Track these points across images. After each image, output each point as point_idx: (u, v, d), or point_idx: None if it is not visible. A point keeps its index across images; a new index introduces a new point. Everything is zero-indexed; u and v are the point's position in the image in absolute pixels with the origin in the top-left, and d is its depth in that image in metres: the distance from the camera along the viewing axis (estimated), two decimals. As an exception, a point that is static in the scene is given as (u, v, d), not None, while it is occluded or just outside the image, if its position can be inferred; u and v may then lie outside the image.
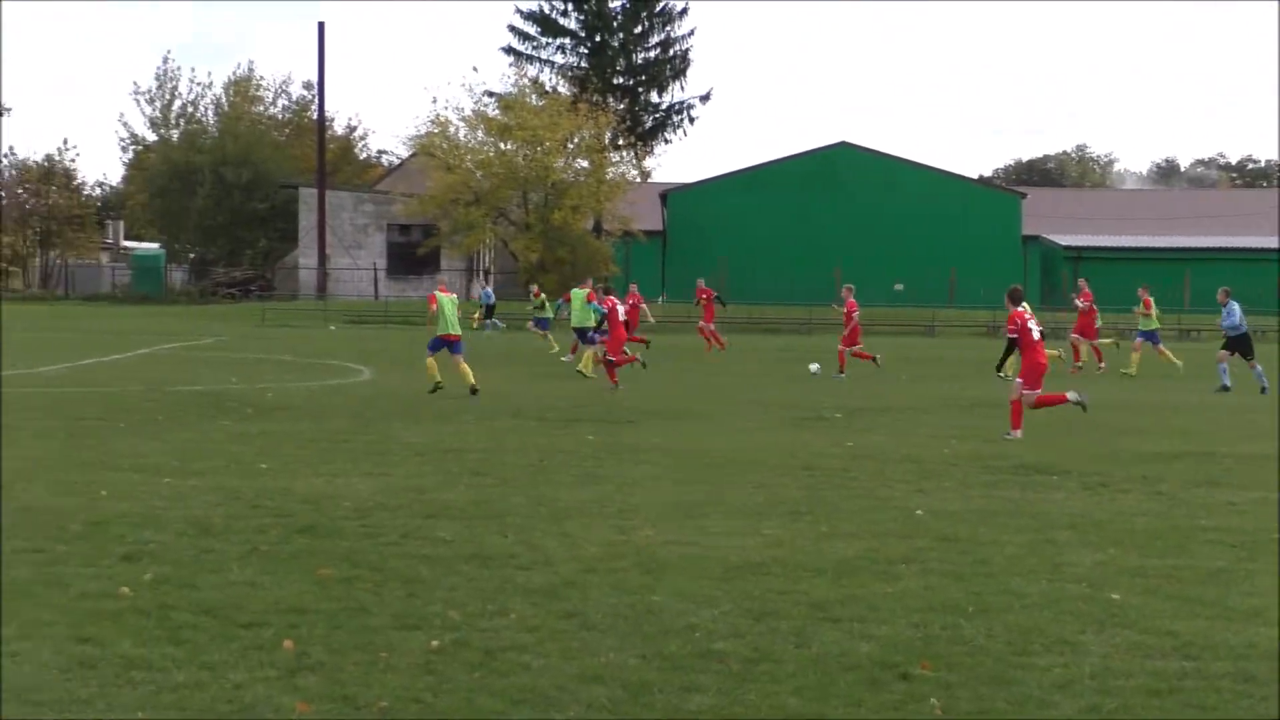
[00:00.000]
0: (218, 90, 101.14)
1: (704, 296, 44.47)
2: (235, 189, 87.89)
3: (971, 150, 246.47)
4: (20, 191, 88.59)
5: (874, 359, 34.45)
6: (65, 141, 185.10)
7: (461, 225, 76.89)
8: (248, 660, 8.14)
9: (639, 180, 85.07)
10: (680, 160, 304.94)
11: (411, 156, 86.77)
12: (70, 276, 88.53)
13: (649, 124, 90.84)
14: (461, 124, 79.63)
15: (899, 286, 79.03)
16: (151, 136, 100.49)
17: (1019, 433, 20.38)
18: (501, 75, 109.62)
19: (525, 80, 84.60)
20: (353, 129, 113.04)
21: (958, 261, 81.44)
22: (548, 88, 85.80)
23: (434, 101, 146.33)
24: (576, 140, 78.14)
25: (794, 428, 21.40)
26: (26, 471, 15.12)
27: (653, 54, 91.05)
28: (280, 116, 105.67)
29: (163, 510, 12.92)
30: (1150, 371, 35.00)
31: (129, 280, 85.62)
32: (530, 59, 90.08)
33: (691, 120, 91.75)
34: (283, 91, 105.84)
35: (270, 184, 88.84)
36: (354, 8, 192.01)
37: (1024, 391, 20.71)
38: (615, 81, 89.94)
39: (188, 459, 16.48)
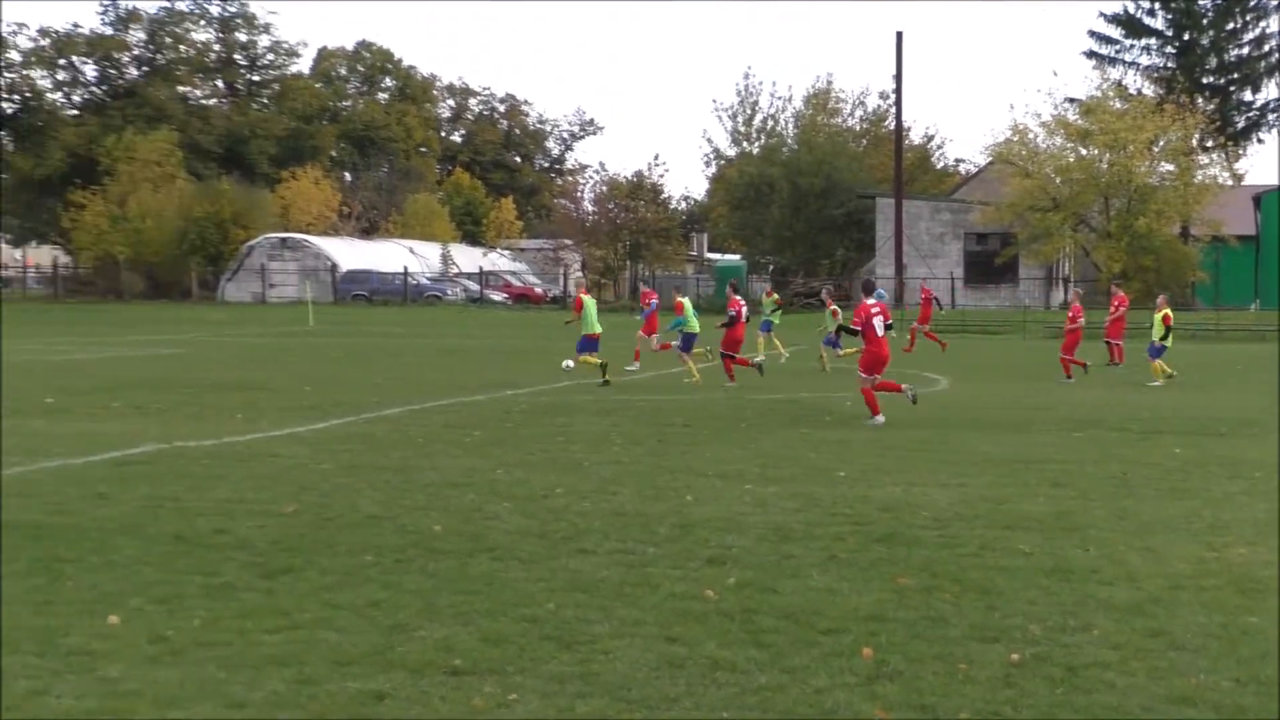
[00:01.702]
0: (797, 104, 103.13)
1: (925, 297, 46.76)
2: (811, 197, 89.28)
3: None
4: (611, 206, 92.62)
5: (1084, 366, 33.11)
6: (655, 157, 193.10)
7: (1039, 233, 75.67)
8: (828, 666, 8.23)
9: (1230, 183, 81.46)
10: (1275, 161, 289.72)
11: (989, 164, 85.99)
12: (657, 288, 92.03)
13: (1241, 124, 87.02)
14: (1040, 130, 78.42)
15: None
16: (732, 151, 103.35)
17: (880, 418, 21.95)
18: (1083, 78, 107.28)
19: (1107, 83, 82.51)
20: (930, 137, 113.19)
21: None
22: (1131, 90, 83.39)
23: (1011, 109, 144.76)
24: (1162, 143, 75.55)
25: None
26: (618, 477, 15.79)
27: (1245, 50, 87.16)
28: (857, 128, 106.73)
29: (745, 515, 13.24)
30: None
31: (711, 291, 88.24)
32: (1112, 61, 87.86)
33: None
34: (860, 103, 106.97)
35: (845, 192, 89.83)
36: (933, 16, 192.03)
37: (862, 376, 22.69)
38: (1204, 81, 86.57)
39: (768, 465, 16.83)
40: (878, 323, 22.67)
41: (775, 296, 41.96)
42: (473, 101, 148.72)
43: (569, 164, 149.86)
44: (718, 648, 8.60)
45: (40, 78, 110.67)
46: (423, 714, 7.48)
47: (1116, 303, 37.54)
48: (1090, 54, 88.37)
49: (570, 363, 32.48)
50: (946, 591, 10.09)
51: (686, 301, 33.40)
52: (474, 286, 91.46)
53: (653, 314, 35.47)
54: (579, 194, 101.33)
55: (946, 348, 44.12)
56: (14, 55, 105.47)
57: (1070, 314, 33.66)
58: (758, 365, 31.27)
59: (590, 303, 30.94)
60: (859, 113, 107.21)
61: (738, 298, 32.27)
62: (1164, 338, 32.12)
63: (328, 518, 12.94)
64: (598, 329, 30.49)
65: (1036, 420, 22.97)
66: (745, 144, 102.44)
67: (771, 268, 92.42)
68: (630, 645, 8.67)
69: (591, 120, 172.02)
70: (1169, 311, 32.67)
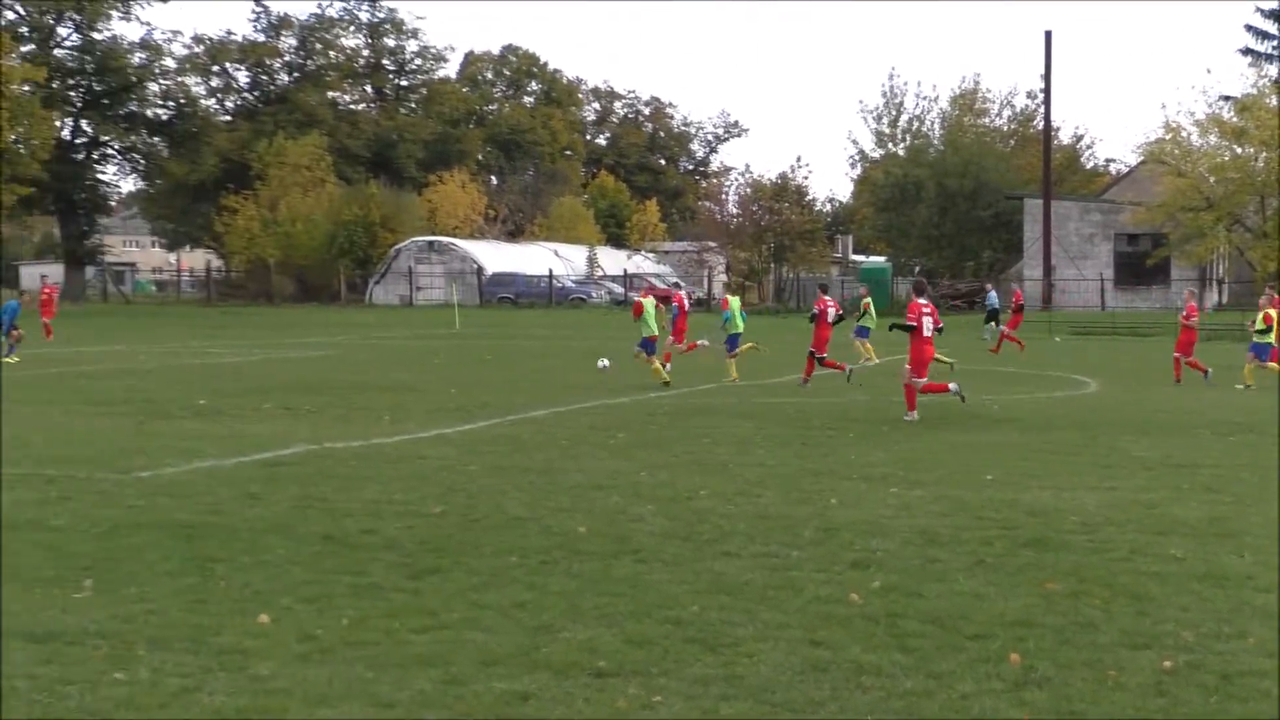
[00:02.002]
0: (944, 104, 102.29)
1: (1018, 303, 48.34)
2: (958, 198, 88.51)
3: None
4: (755, 208, 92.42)
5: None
6: (798, 159, 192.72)
7: (1192, 233, 74.32)
8: (974, 671, 8.14)
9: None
10: None
11: (1140, 164, 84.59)
12: (801, 290, 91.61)
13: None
14: (1194, 128, 76.99)
15: None
16: (877, 153, 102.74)
17: (915, 414, 22.54)
18: (1239, 75, 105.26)
19: (1264, 80, 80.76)
20: (1079, 137, 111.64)
21: None
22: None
23: (1163, 107, 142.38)
24: (1321, 140, 73.75)
25: None
26: (762, 480, 15.76)
27: None
28: (1005, 128, 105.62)
29: (890, 519, 13.15)
30: None
31: (855, 293, 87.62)
32: (1269, 58, 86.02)
33: None
34: (1008, 103, 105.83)
35: (993, 193, 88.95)
36: (1083, 14, 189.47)
37: (912, 379, 23.00)
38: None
39: (913, 469, 16.70)
40: (927, 322, 23.24)
41: (868, 300, 41.61)
42: (618, 105, 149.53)
43: (713, 166, 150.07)
44: (862, 652, 8.55)
45: (194, 84, 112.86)
46: (567, 715, 7.51)
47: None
48: (1246, 50, 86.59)
49: (606, 362, 33.56)
50: (1096, 597, 9.94)
51: (734, 300, 33.61)
52: (618, 289, 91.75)
53: (680, 315, 35.31)
54: (723, 196, 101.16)
55: (1024, 348, 44.07)
56: (169, 62, 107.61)
57: (1185, 313, 32.89)
58: (849, 372, 30.75)
59: (649, 305, 31.32)
60: (1006, 113, 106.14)
61: (827, 298, 32.18)
62: (1264, 334, 31.01)
63: (474, 519, 13.04)
64: (656, 330, 30.98)
65: (1188, 423, 22.56)
66: (890, 145, 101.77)
67: (917, 269, 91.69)
68: (774, 648, 8.65)
69: (736, 122, 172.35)
70: (1270, 311, 31.17)
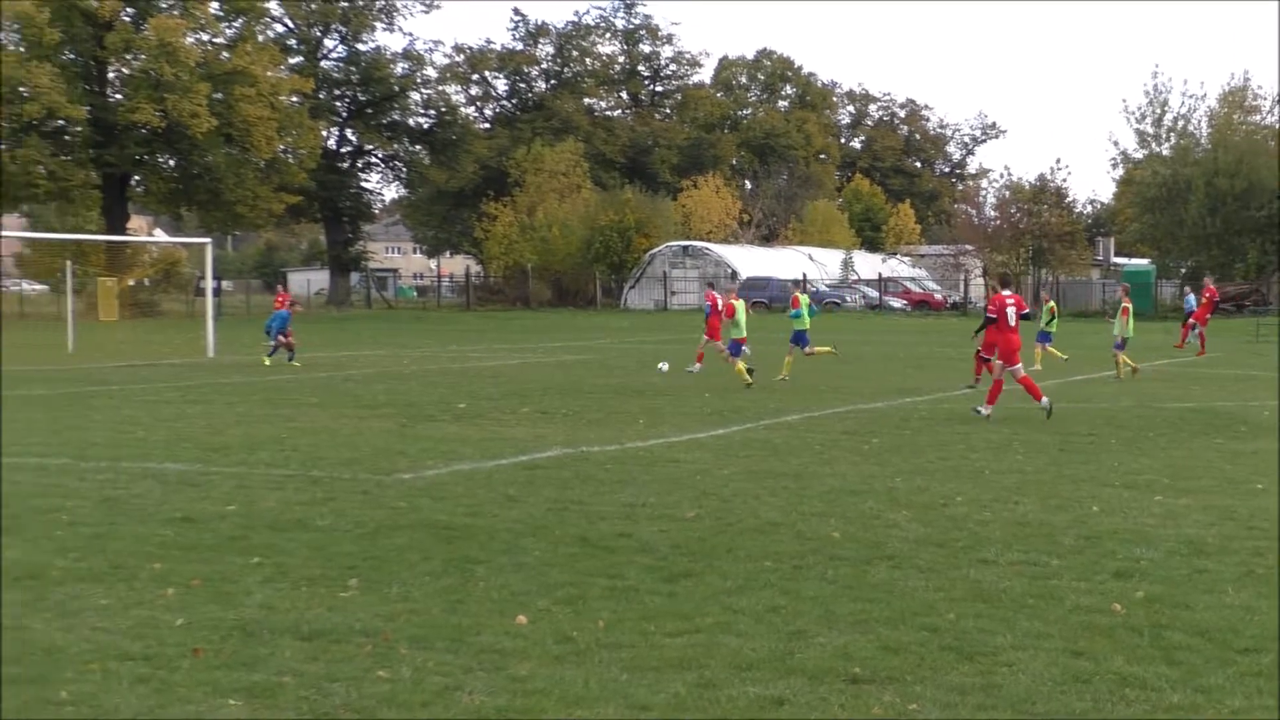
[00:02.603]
0: (1211, 102, 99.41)
1: (1210, 297, 46.29)
2: (1229, 198, 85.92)
3: None
4: (1013, 211, 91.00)
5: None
6: (1058, 161, 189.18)
7: None
8: (1245, 687, 7.90)
9: None
10: None
11: None
12: (1061, 293, 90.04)
13: None
14: None
15: None
16: (1140, 153, 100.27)
17: (1046, 400, 22.82)
18: None
19: None
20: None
21: None
22: None
23: None
24: None
25: None
26: (1020, 486, 15.50)
27: None
28: (1276, 126, 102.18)
29: (1154, 528, 12.81)
30: None
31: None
32: None
33: None
34: None
35: (1265, 193, 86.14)
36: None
37: (1009, 369, 23.32)
38: None
39: (1179, 476, 16.25)
40: (1010, 312, 23.56)
41: (1051, 304, 40.34)
42: (872, 107, 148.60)
43: (970, 169, 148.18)
44: (1126, 663, 8.35)
45: (455, 93, 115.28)
46: (822, 721, 7.47)
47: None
48: None
49: (665, 365, 34.27)
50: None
51: (804, 298, 34.16)
52: (873, 293, 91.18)
53: (714, 315, 35.36)
54: (980, 198, 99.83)
55: (1204, 354, 42.71)
56: (430, 72, 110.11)
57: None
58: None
59: (741, 307, 31.93)
60: (1279, 110, 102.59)
61: (1006, 293, 31.24)
62: None
63: (728, 523, 13.06)
64: (744, 333, 31.55)
65: None
66: (1154, 145, 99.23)
67: (1184, 270, 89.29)
68: (1034, 658, 8.49)
69: (994, 124, 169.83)
70: None
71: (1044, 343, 37.78)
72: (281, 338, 37.02)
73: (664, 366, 34.49)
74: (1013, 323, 23.65)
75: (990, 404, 23.25)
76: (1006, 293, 24.19)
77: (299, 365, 35.95)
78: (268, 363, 36.29)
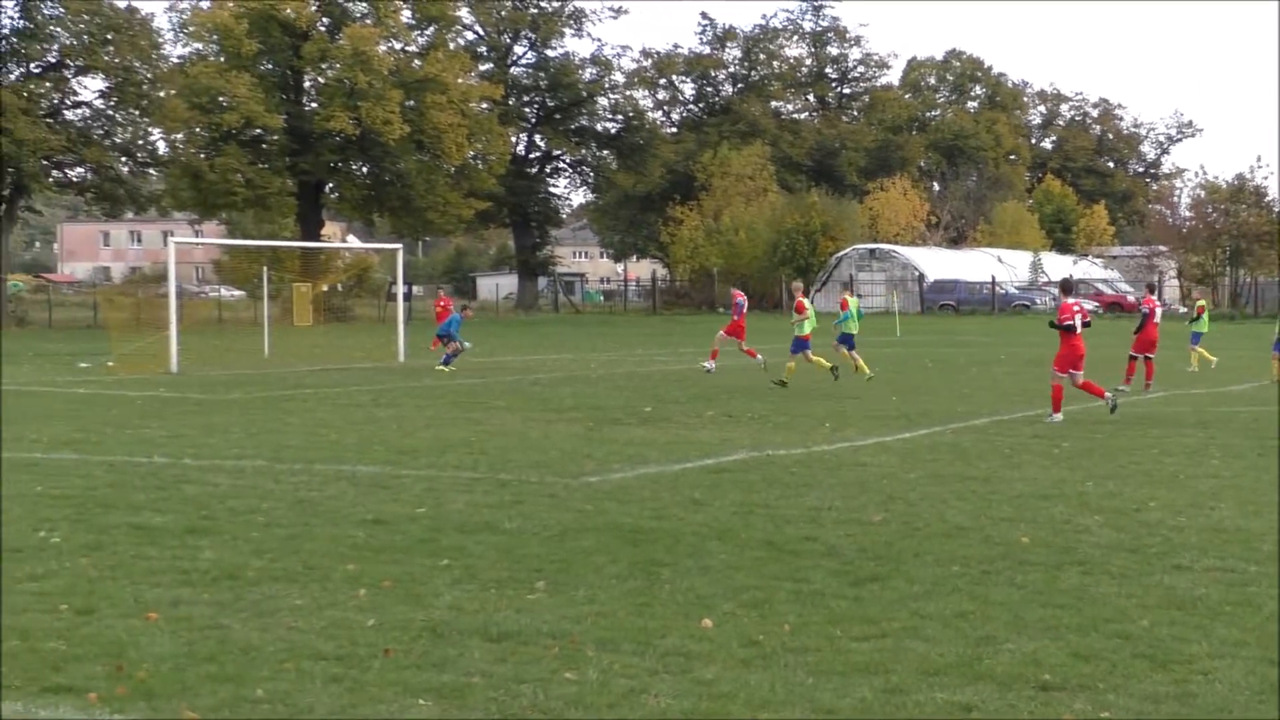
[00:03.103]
0: None
1: None
2: None
3: None
4: (1210, 211, 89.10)
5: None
6: (1258, 159, 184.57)
7: None
8: None
9: None
10: None
11: None
12: (1259, 294, 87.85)
13: None
14: None
15: None
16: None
17: (1059, 416, 22.81)
18: None
19: None
20: None
21: None
22: None
23: None
24: None
25: None
26: (1216, 491, 15.16)
27: None
28: None
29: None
30: None
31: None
32: None
33: None
34: None
35: None
36: None
37: (1067, 374, 23.19)
38: None
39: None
40: (1077, 320, 23.48)
41: (1202, 303, 39.10)
42: (1064, 107, 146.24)
43: (1165, 168, 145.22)
44: (1335, 676, 8.12)
45: (642, 98, 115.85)
46: (1010, 729, 7.38)
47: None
48: None
49: (711, 365, 34.56)
50: None
51: (854, 301, 34.17)
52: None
53: (739, 315, 35.73)
54: (1174, 199, 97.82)
55: None
56: (618, 77, 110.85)
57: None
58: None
59: (810, 305, 32.04)
60: None
61: (1152, 297, 30.97)
62: None
63: (915, 527, 12.95)
64: (809, 331, 31.52)
65: None
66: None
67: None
68: (1231, 667, 8.31)
69: (1190, 122, 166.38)
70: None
71: (1195, 343, 36.94)
72: (454, 342, 37.45)
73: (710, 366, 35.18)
74: (1079, 330, 23.59)
75: (1056, 411, 23.18)
76: (1071, 300, 24.11)
77: (449, 370, 36.08)
78: (450, 368, 36.65)
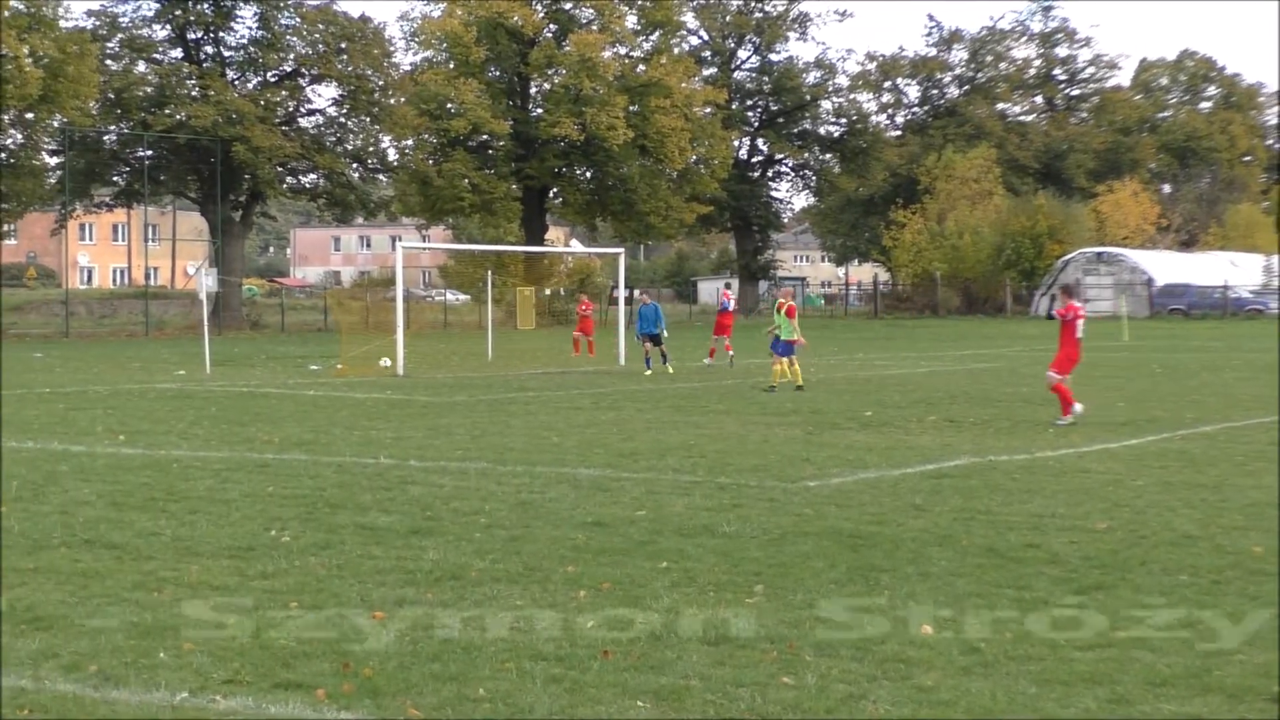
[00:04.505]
0: None
1: None
2: None
3: None
4: None
5: None
6: None
7: None
8: None
9: None
10: None
11: None
12: None
13: None
14: None
15: None
16: None
17: (1070, 417, 22.72)
18: None
19: None
20: None
21: None
22: None
23: None
24: None
25: None
26: None
27: None
28: None
29: None
30: None
31: None
32: None
33: None
34: None
35: None
36: None
37: (1052, 375, 23.22)
38: None
39: None
40: (1080, 324, 23.35)
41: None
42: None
43: None
44: None
45: (866, 101, 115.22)
46: (1241, 744, 7.19)
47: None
48: None
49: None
50: None
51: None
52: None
53: (726, 313, 37.00)
54: None
55: None
56: (842, 80, 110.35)
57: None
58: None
59: (784, 313, 31.58)
60: None
61: (1076, 303, 29.73)
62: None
63: (1141, 535, 12.67)
64: (795, 335, 31.23)
65: None
66: None
67: None
68: None
69: None
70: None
71: None
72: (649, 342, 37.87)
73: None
74: (1079, 335, 23.38)
75: (1066, 413, 23.00)
76: (1078, 303, 23.95)
77: (672, 370, 36.27)
78: (671, 370, 36.89)
